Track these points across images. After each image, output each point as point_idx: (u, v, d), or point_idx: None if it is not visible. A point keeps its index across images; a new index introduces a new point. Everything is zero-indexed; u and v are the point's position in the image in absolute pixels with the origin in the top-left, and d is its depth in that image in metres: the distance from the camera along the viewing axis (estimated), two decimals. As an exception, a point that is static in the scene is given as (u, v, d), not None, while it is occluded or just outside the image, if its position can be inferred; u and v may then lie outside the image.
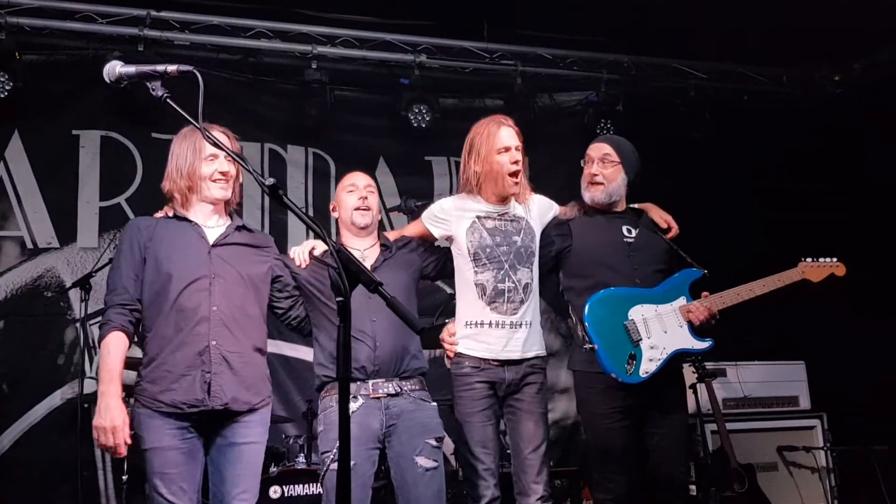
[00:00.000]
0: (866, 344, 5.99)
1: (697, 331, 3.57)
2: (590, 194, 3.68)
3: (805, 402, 5.87)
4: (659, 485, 3.54)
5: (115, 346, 2.95)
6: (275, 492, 4.44)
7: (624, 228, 3.66)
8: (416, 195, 5.87)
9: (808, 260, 3.74)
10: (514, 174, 3.45)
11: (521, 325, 3.41)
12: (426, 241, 3.64)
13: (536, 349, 3.47)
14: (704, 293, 3.60)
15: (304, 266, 3.38)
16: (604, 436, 3.51)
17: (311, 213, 6.02)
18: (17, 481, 5.23)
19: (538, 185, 6.97)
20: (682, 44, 6.39)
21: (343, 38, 6.04)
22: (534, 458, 3.33)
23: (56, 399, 5.48)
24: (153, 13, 5.61)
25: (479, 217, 3.48)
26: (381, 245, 3.53)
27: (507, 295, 3.39)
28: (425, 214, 3.62)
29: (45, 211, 5.69)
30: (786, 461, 5.66)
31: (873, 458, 5.61)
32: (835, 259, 3.77)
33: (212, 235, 3.13)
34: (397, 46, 6.11)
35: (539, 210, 3.63)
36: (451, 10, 6.07)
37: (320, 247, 3.38)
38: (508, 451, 3.70)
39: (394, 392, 3.28)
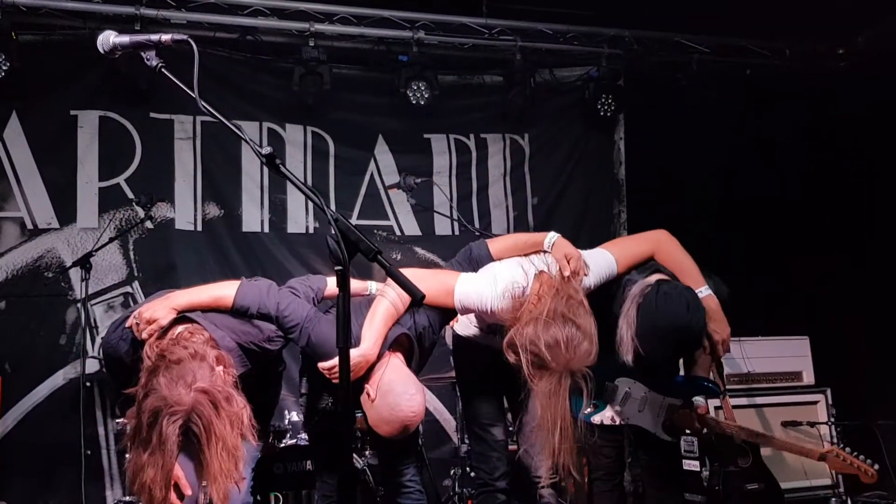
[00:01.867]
0: (870, 319, 5.98)
1: (669, 431, 3.40)
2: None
3: (809, 378, 5.85)
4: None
5: None
6: (278, 468, 4.44)
7: None
8: (416, 173, 5.88)
9: (842, 452, 3.59)
10: None
11: None
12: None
13: None
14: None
15: None
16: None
17: (310, 193, 5.99)
18: (20, 461, 5.25)
19: (537, 163, 6.96)
20: (683, 18, 6.31)
21: (341, 16, 5.98)
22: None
23: (59, 379, 5.50)
24: (150, -9, 5.57)
25: None
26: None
27: None
28: (464, 302, 3.00)
29: (44, 191, 5.68)
30: (790, 436, 5.65)
31: (878, 432, 5.60)
32: (874, 465, 3.55)
33: None
34: (395, 23, 6.05)
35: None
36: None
37: None
38: (511, 429, 3.69)
39: None
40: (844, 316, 6.11)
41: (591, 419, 3.41)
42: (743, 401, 5.49)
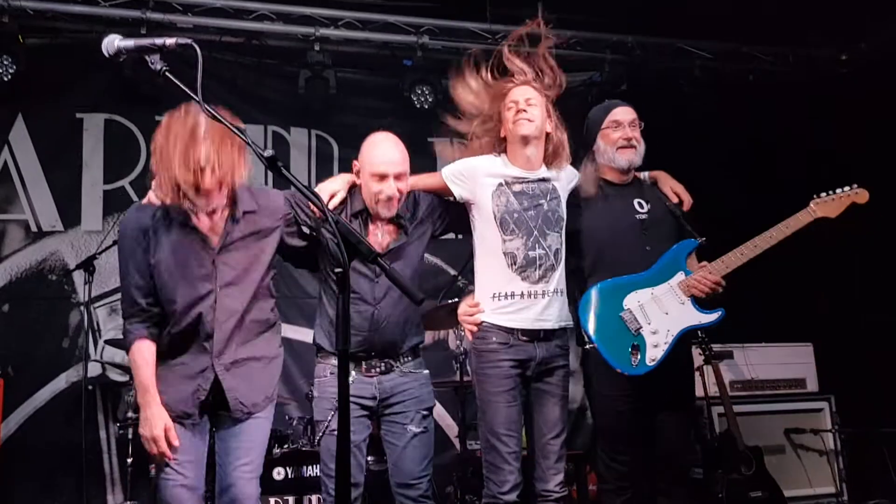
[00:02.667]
0: (874, 326, 5.96)
1: (703, 303, 3.42)
2: (626, 157, 3.55)
3: (813, 385, 5.85)
4: (660, 466, 3.50)
5: (142, 357, 2.88)
6: (278, 473, 4.45)
7: (635, 202, 3.55)
8: (420, 176, 5.88)
9: (822, 195, 3.45)
10: (517, 121, 3.33)
11: (554, 292, 3.30)
12: (438, 198, 3.43)
13: (566, 320, 3.37)
14: (702, 263, 3.48)
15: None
16: (611, 416, 3.46)
17: (314, 196, 6.00)
18: (22, 464, 5.27)
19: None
20: (686, 23, 6.31)
21: (346, 20, 6.00)
22: (556, 443, 3.26)
23: (61, 382, 5.51)
24: (156, -5, 5.59)
25: (505, 181, 3.32)
26: (398, 226, 3.31)
27: (538, 262, 3.26)
28: (447, 170, 3.40)
29: (49, 194, 5.71)
30: (793, 444, 5.64)
31: (882, 440, 5.58)
32: (854, 186, 3.45)
33: (214, 235, 2.93)
34: (400, 28, 6.07)
35: (567, 178, 3.48)
36: (453, -10, 6.04)
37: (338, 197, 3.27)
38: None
39: (385, 370, 3.27)
40: (848, 323, 6.08)
41: (646, 363, 3.32)
42: (747, 407, 5.48)
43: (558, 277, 3.33)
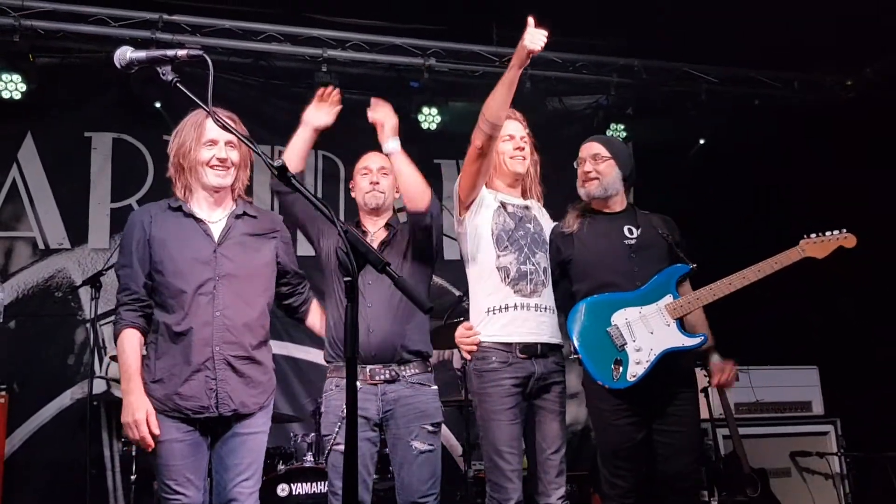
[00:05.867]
0: (880, 349, 5.94)
1: (688, 328, 3.50)
2: (585, 190, 3.67)
3: (818, 408, 5.82)
4: (667, 485, 3.48)
5: (130, 344, 2.92)
6: (282, 490, 4.42)
7: (625, 229, 3.63)
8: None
9: (812, 236, 3.54)
10: (514, 157, 3.47)
11: (544, 308, 3.37)
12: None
13: (558, 337, 3.43)
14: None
15: None
16: (611, 433, 3.47)
17: (321, 215, 6.03)
18: (26, 480, 5.26)
19: (548, 189, 6.98)
20: (692, 48, 6.37)
21: (353, 42, 6.07)
22: (556, 458, 3.29)
23: (66, 399, 5.52)
24: (165, 17, 5.66)
25: (502, 203, 3.45)
26: (387, 225, 3.54)
27: (529, 276, 3.35)
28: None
29: (56, 212, 5.75)
30: (799, 467, 5.60)
31: (888, 464, 5.55)
32: (843, 231, 3.54)
33: (216, 230, 3.05)
34: (407, 50, 6.13)
35: (539, 208, 3.62)
36: (460, 14, 6.09)
37: None
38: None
39: (390, 378, 3.28)
40: (854, 346, 6.06)
41: (626, 378, 3.39)
42: (752, 430, 5.45)
43: (548, 294, 3.42)
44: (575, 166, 3.77)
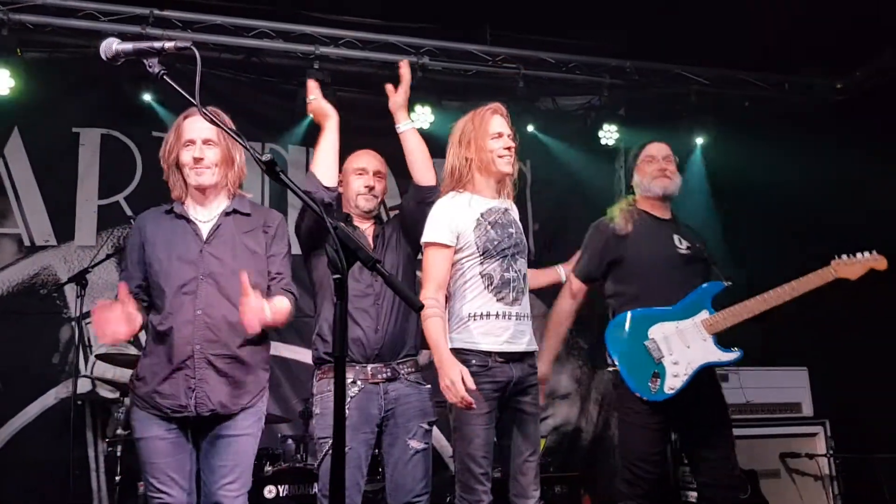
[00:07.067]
0: (869, 351, 5.94)
1: (724, 342, 3.62)
2: (662, 184, 3.76)
3: (808, 409, 5.82)
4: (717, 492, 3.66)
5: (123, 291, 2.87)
6: (269, 491, 4.38)
7: (675, 238, 3.73)
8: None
9: (843, 257, 3.62)
10: (503, 157, 3.36)
11: (523, 316, 3.32)
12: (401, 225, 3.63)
13: (535, 345, 3.38)
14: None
15: None
16: (643, 437, 3.60)
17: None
18: (9, 480, 5.18)
19: (541, 188, 7.01)
20: (684, 49, 6.37)
21: (346, 40, 6.02)
22: (534, 460, 3.26)
23: (50, 398, 5.45)
24: (156, 12, 5.58)
25: (482, 214, 3.32)
26: (375, 224, 3.56)
27: (511, 284, 3.28)
28: (441, 237, 3.28)
29: (43, 208, 5.69)
30: (788, 468, 5.60)
31: (877, 466, 5.55)
32: (873, 252, 3.63)
33: (206, 229, 3.03)
34: (400, 48, 6.08)
35: (512, 206, 3.52)
36: (454, 13, 6.06)
37: None
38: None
39: (391, 376, 3.30)
40: (843, 348, 6.06)
41: (664, 391, 3.53)
42: (741, 431, 5.42)
43: (526, 302, 3.36)
44: (630, 162, 3.89)
